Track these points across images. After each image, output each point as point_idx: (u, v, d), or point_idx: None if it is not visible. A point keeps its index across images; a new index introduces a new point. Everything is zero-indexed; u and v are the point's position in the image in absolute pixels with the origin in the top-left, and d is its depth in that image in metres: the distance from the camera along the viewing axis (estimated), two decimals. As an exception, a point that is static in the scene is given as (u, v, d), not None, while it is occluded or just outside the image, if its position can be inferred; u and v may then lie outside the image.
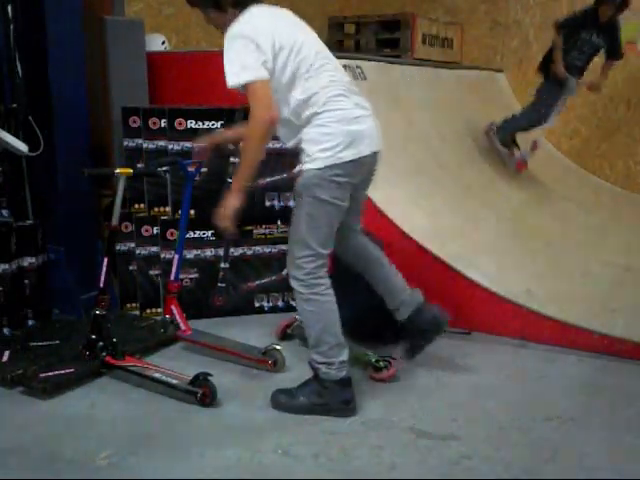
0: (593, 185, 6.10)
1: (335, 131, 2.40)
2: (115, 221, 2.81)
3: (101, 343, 2.77)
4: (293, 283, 2.52)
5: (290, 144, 2.55)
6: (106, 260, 2.79)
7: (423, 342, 2.80)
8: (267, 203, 3.65)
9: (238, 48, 2.35)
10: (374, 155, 2.53)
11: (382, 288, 2.82)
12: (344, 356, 2.53)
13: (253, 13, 2.45)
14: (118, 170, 2.77)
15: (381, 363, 2.86)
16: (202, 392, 2.56)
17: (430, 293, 3.38)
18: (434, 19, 6.41)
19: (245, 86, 2.34)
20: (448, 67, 5.97)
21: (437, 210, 3.98)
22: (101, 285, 2.78)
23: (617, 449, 2.31)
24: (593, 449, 2.31)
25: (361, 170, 2.50)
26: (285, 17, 2.56)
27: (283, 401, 2.56)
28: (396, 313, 2.82)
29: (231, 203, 2.42)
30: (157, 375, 2.68)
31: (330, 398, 2.52)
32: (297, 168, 2.53)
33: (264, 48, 2.35)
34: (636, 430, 2.44)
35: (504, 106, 6.36)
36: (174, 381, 2.64)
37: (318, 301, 2.49)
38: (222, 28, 2.49)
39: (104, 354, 2.77)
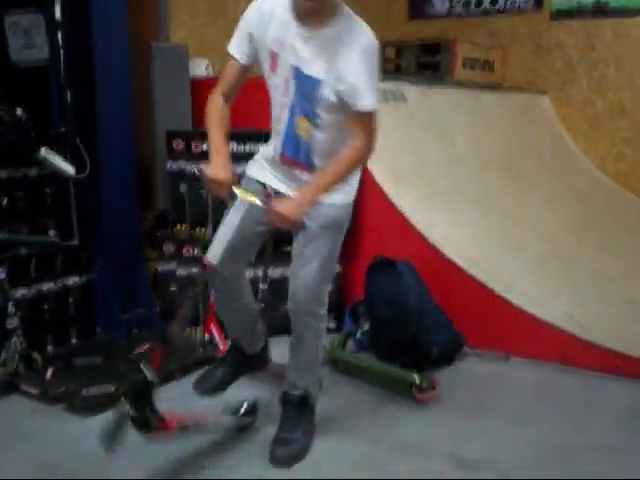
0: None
1: None
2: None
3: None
4: (309, 321, 2.37)
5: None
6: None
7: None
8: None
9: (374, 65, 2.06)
10: None
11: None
12: None
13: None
14: None
15: (424, 384, 2.83)
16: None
17: (469, 316, 3.36)
18: (475, 43, 6.40)
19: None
20: (490, 90, 5.94)
21: (477, 232, 3.93)
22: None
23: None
24: (640, 480, 2.23)
25: None
26: None
27: (289, 454, 2.35)
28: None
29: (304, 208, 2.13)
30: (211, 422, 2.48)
31: (314, 419, 2.49)
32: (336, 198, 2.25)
33: None
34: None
35: (548, 128, 6.30)
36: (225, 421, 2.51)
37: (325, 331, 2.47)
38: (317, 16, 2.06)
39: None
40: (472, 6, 7.01)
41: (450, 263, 3.44)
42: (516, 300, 3.31)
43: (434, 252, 3.46)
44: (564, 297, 3.58)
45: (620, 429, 2.60)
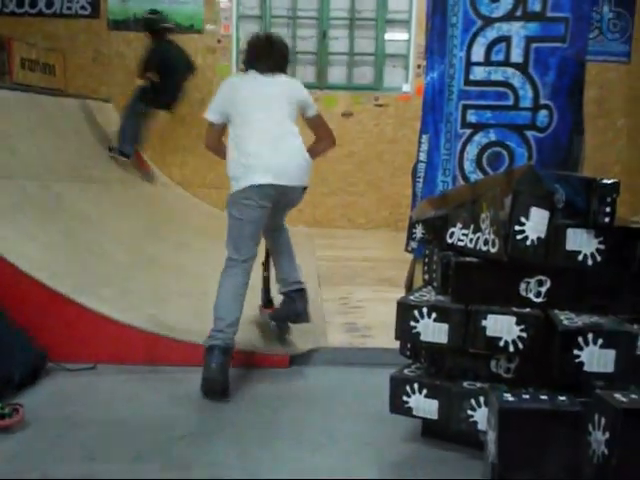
0: (205, 211, 6.54)
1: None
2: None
3: None
4: None
5: None
6: None
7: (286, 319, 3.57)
8: None
9: None
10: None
11: (277, 265, 3.54)
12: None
13: None
14: None
15: (6, 410, 2.62)
16: None
17: (53, 329, 3.23)
18: (33, 44, 6.12)
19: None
20: (52, 94, 5.75)
21: (54, 243, 3.79)
22: None
23: (246, 459, 2.47)
24: (225, 460, 2.46)
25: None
26: None
27: None
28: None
29: None
30: None
31: None
32: None
33: None
34: (262, 440, 2.62)
35: (113, 134, 6.42)
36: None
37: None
38: None
39: None
40: (26, 6, 6.69)
41: (27, 278, 3.24)
42: (100, 308, 3.31)
43: (9, 269, 3.23)
44: (149, 300, 3.71)
45: (206, 417, 2.84)
